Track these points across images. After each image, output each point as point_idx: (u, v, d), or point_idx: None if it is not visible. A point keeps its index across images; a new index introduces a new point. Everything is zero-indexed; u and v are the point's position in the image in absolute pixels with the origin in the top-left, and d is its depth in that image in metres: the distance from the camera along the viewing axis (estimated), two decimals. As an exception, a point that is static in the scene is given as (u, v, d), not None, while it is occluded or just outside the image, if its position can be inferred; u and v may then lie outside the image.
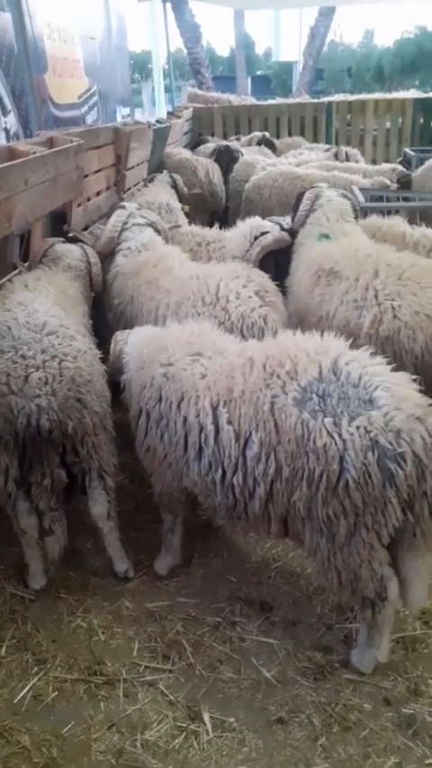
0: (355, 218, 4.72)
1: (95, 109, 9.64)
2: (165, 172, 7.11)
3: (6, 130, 6.51)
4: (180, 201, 6.35)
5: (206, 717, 2.61)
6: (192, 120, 12.04)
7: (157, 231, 4.62)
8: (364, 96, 13.90)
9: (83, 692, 2.73)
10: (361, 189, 6.28)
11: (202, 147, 10.02)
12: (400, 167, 7.77)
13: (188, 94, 14.90)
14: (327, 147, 9.90)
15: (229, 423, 2.65)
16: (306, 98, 15.83)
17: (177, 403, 2.84)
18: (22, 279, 3.81)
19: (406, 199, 6.47)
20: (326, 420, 2.43)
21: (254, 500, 2.66)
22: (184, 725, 2.59)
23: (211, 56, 35.28)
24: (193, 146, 10.70)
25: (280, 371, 2.61)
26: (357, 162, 8.67)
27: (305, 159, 8.37)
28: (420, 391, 2.56)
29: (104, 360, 3.32)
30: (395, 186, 6.90)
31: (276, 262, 4.63)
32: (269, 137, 10.64)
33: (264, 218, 5.01)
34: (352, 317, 3.64)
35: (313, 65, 22.52)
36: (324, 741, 2.51)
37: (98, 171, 5.78)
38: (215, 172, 8.78)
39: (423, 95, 13.50)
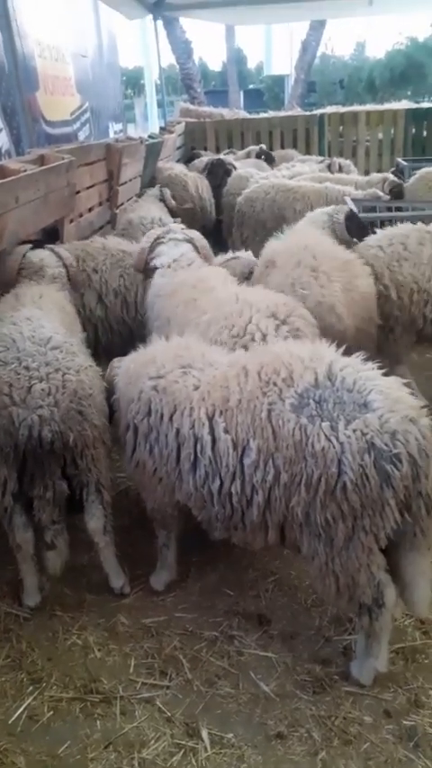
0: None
1: (88, 125, 9.68)
2: (158, 187, 7.15)
3: (-2, 149, 6.55)
4: (171, 216, 6.39)
5: (204, 733, 2.58)
6: (184, 134, 12.14)
7: (196, 249, 4.29)
8: (356, 108, 14.04)
9: (79, 711, 2.70)
10: (354, 200, 6.31)
11: (196, 162, 10.10)
12: (392, 177, 7.82)
13: (180, 109, 15.04)
14: (320, 158, 9.96)
15: (226, 432, 2.67)
16: (298, 111, 15.96)
17: (170, 416, 2.84)
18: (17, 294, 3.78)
19: (399, 209, 6.51)
20: (323, 424, 2.45)
21: (251, 508, 2.66)
22: (183, 742, 2.56)
23: (204, 71, 35.62)
24: (187, 160, 10.78)
25: (276, 379, 2.64)
26: (350, 173, 8.73)
27: (298, 171, 8.43)
28: None
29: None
30: (387, 197, 6.94)
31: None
32: (266, 149, 10.69)
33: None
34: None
35: (305, 78, 22.72)
36: (324, 755, 2.48)
37: (90, 187, 5.83)
38: (204, 187, 8.84)
39: (414, 106, 13.65)
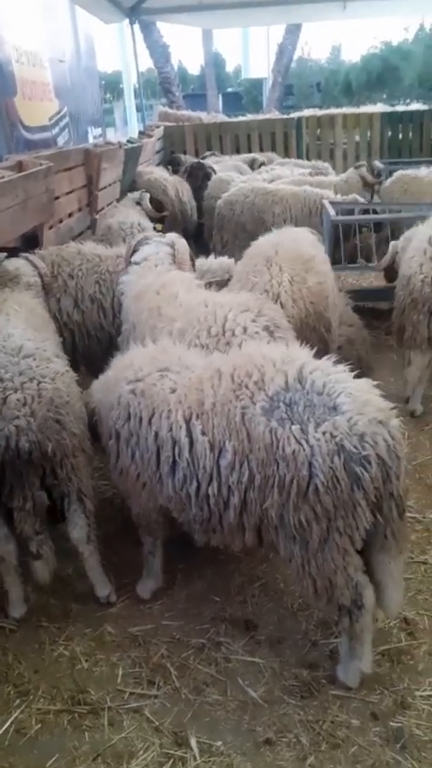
0: None
1: (67, 130, 9.66)
2: (142, 191, 7.13)
3: (-24, 155, 6.48)
4: (151, 221, 6.38)
5: (193, 742, 2.57)
6: (163, 138, 12.14)
7: (173, 254, 4.16)
8: (333, 111, 14.17)
9: (66, 723, 2.68)
10: (332, 203, 6.36)
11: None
12: (364, 166, 8.05)
13: (159, 113, 15.05)
14: (296, 161, 10.01)
15: (204, 434, 2.68)
16: (276, 114, 16.05)
17: (148, 419, 2.84)
18: None
19: (375, 212, 6.57)
20: (293, 427, 2.47)
21: (228, 510, 2.68)
22: (171, 751, 2.55)
23: (183, 75, 35.69)
24: (167, 163, 10.76)
25: (248, 382, 2.65)
26: (328, 175, 8.80)
27: (277, 174, 8.47)
28: None
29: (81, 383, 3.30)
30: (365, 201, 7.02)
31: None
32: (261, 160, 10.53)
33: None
34: None
35: (282, 81, 22.83)
36: (313, 760, 2.48)
37: (69, 192, 5.80)
38: (184, 190, 8.83)
39: (390, 109, 13.80)
